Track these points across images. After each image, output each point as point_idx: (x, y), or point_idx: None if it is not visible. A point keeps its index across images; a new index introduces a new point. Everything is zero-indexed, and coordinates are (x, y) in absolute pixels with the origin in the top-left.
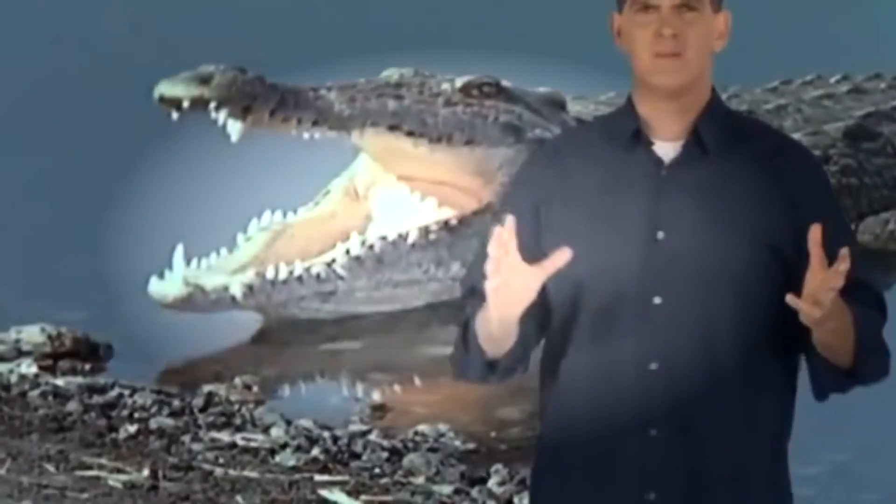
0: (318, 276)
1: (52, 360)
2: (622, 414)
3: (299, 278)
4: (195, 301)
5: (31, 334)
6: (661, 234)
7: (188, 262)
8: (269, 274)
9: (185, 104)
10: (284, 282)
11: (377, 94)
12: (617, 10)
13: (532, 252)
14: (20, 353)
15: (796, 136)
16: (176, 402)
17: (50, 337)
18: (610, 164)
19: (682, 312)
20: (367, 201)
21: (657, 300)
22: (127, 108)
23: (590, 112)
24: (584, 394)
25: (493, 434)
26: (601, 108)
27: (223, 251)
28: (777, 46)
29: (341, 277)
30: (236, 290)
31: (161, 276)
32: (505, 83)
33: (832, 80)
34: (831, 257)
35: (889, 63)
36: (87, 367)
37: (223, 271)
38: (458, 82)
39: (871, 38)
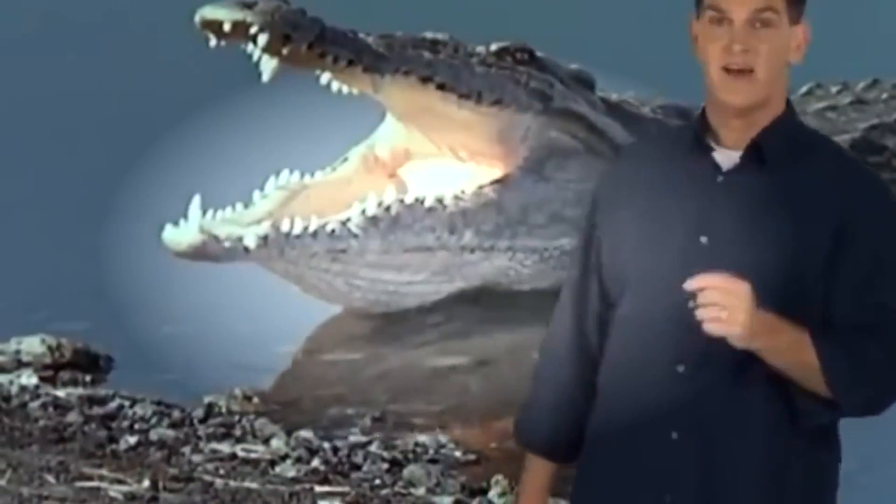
0: (332, 232)
1: (52, 371)
2: (647, 415)
3: (314, 234)
4: (208, 250)
5: (32, 345)
6: (704, 239)
7: (204, 213)
8: (285, 227)
9: (227, 27)
10: (299, 236)
11: (413, 45)
12: (695, 15)
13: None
14: (20, 364)
15: None
16: (176, 414)
17: (50, 348)
18: (670, 168)
19: None
20: (385, 170)
21: (692, 304)
22: (125, 114)
23: (613, 100)
24: (615, 391)
25: (493, 445)
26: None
27: (239, 206)
28: None
29: (355, 236)
30: (250, 241)
31: (176, 224)
32: (539, 54)
33: (833, 89)
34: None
35: (874, 65)
36: (88, 378)
37: (238, 223)
38: (493, 46)
39: (856, 38)
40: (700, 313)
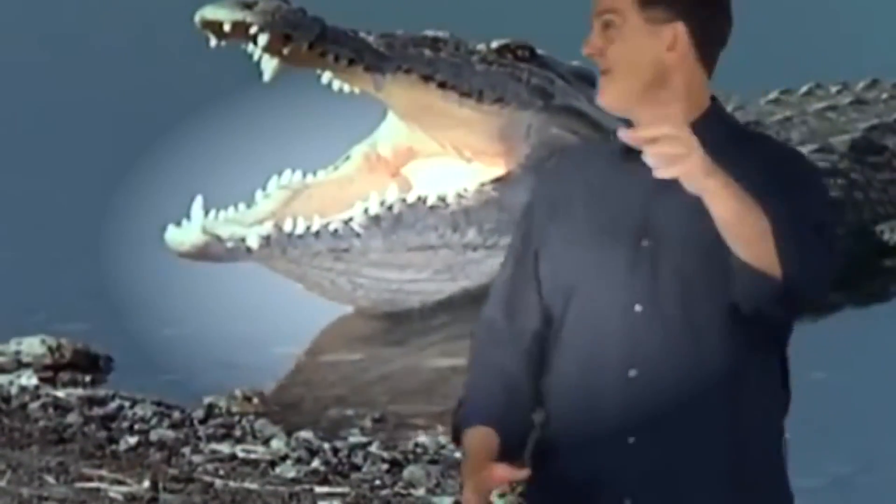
0: (334, 231)
1: (52, 371)
2: (602, 421)
3: (316, 233)
4: (211, 250)
5: (32, 346)
6: (645, 242)
7: (206, 213)
8: (287, 227)
9: (227, 27)
10: (301, 236)
11: (414, 44)
12: None
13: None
14: (20, 365)
15: (804, 148)
16: (176, 414)
17: (50, 349)
18: (604, 176)
19: (663, 320)
20: (387, 169)
21: (638, 308)
22: (125, 114)
23: None
24: (568, 401)
25: None
26: None
27: (241, 206)
28: (756, 49)
29: (357, 235)
30: (252, 241)
31: (178, 224)
32: (539, 51)
33: (833, 89)
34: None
35: (874, 65)
36: (88, 378)
37: (241, 223)
38: (494, 44)
39: (856, 38)
40: (654, 160)
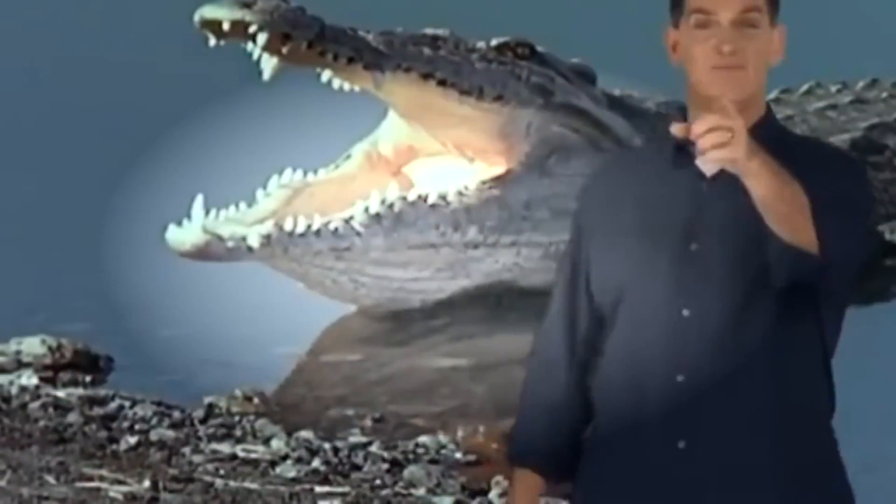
0: (335, 230)
1: (52, 371)
2: (652, 427)
3: (317, 232)
4: (212, 250)
5: (32, 346)
6: (694, 246)
7: (207, 213)
8: (288, 226)
9: (226, 26)
10: (302, 234)
11: (414, 42)
12: (672, 25)
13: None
14: (21, 365)
15: None
16: (176, 414)
17: (50, 348)
18: (656, 178)
19: (710, 325)
20: (388, 167)
21: (686, 312)
22: (126, 114)
23: (616, 94)
24: (615, 404)
25: (494, 446)
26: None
27: (242, 205)
28: None
29: (358, 234)
30: (253, 241)
31: (179, 224)
32: (539, 48)
33: (833, 89)
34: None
35: (874, 65)
36: (88, 378)
37: (241, 223)
38: (494, 42)
39: (856, 38)
40: (703, 144)
